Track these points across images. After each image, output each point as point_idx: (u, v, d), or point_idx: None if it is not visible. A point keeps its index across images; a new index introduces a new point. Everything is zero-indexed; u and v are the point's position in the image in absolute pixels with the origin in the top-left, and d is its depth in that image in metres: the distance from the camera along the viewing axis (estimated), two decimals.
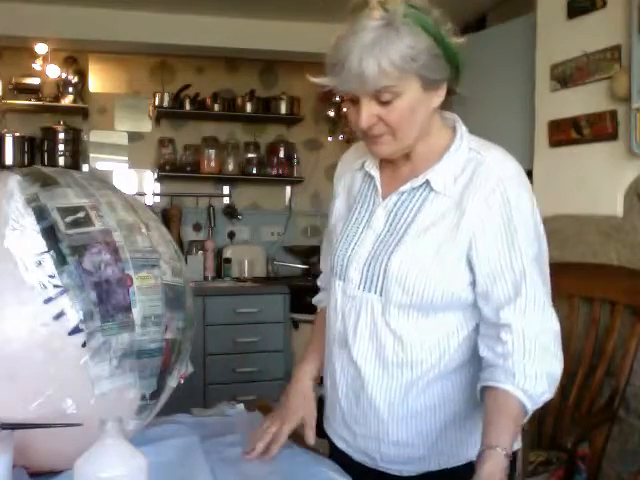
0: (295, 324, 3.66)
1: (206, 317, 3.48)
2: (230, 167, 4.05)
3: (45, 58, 3.64)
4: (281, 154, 4.17)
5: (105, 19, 3.51)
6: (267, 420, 1.26)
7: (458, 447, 1.17)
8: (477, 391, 1.09)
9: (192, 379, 1.22)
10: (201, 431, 1.28)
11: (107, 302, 1.00)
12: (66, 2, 3.40)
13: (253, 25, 3.69)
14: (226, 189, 4.20)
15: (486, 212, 1.07)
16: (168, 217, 3.96)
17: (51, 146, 3.76)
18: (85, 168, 3.94)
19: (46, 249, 0.99)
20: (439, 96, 1.10)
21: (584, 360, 2.13)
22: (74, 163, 3.79)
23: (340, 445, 1.26)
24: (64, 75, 3.78)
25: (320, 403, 1.29)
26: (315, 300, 1.43)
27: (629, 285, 2.08)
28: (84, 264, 0.99)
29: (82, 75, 3.87)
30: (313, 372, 1.32)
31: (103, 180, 1.20)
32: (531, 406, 1.04)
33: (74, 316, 0.97)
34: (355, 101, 1.07)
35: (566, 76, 2.42)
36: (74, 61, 3.84)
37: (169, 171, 3.98)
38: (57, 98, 3.80)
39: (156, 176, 4.05)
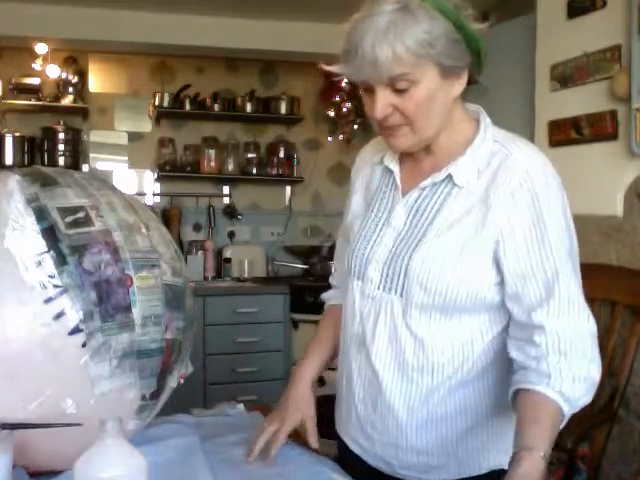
0: (295, 324, 3.65)
1: (206, 317, 3.48)
2: (230, 167, 4.05)
3: (45, 58, 3.64)
4: (281, 154, 4.17)
5: (105, 19, 3.51)
6: (266, 420, 1.24)
7: (479, 455, 1.12)
8: (509, 395, 1.02)
9: (192, 379, 1.22)
10: (201, 431, 1.28)
11: (107, 302, 1.00)
12: (66, 2, 3.40)
13: (253, 25, 3.69)
14: (226, 189, 4.20)
15: (513, 208, 1.01)
16: (168, 217, 3.96)
17: (51, 146, 3.75)
18: (85, 168, 3.94)
19: (46, 249, 0.99)
20: (460, 84, 1.03)
21: None
22: (74, 163, 3.79)
23: (355, 449, 1.22)
24: (64, 75, 3.78)
25: (323, 403, 1.28)
26: (325, 296, 1.37)
27: (629, 285, 2.08)
28: (84, 264, 1.00)
29: (82, 75, 3.87)
30: (313, 374, 1.27)
31: (103, 180, 1.20)
32: (568, 410, 0.98)
33: (74, 316, 0.97)
34: (370, 90, 1.01)
35: (566, 76, 2.42)
36: (74, 61, 3.84)
37: (169, 171, 3.97)
38: (57, 98, 3.80)
39: (156, 176, 4.05)
